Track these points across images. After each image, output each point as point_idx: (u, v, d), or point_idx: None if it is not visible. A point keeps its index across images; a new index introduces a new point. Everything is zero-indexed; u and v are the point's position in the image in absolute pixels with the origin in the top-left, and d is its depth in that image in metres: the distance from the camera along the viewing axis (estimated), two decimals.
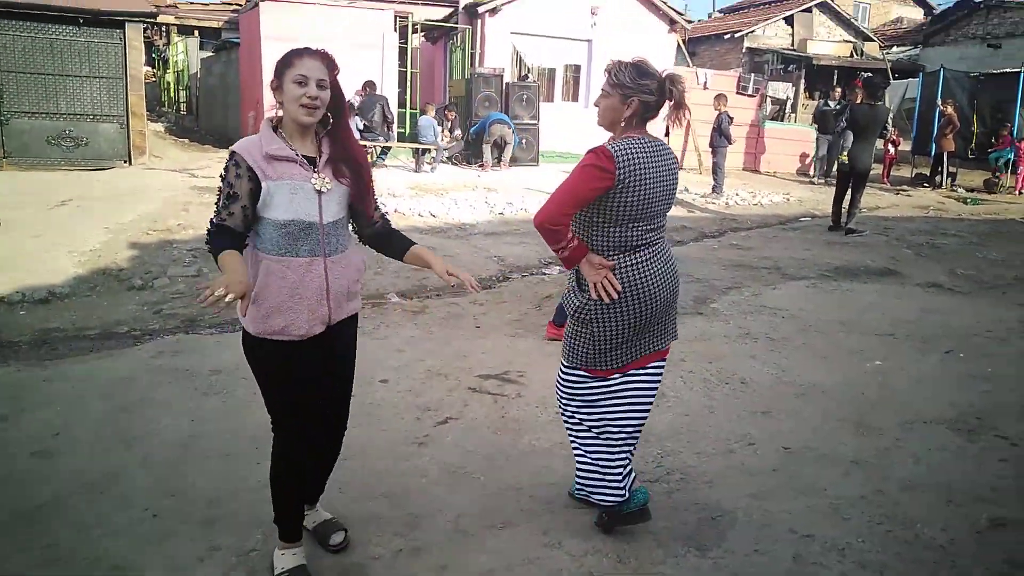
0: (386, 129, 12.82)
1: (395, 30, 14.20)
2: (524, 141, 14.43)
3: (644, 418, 3.05)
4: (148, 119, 13.31)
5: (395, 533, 3.02)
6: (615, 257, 2.82)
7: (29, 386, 4.26)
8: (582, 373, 2.98)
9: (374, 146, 12.69)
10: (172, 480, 3.33)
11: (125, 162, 12.14)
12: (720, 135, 12.68)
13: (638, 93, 2.78)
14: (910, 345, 5.55)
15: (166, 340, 5.15)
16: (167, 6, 22.04)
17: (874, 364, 5.13)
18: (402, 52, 14.76)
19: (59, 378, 4.39)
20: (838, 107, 14.75)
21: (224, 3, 23.35)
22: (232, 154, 2.49)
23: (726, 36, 26.14)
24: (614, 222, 2.78)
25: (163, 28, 23.17)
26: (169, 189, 9.78)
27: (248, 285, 2.27)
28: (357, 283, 2.73)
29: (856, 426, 4.15)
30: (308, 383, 2.65)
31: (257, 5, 13.54)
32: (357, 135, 11.88)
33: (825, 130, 15.13)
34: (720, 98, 13.07)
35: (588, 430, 3.04)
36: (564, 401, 3.09)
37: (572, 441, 3.12)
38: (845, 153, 9.80)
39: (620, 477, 2.98)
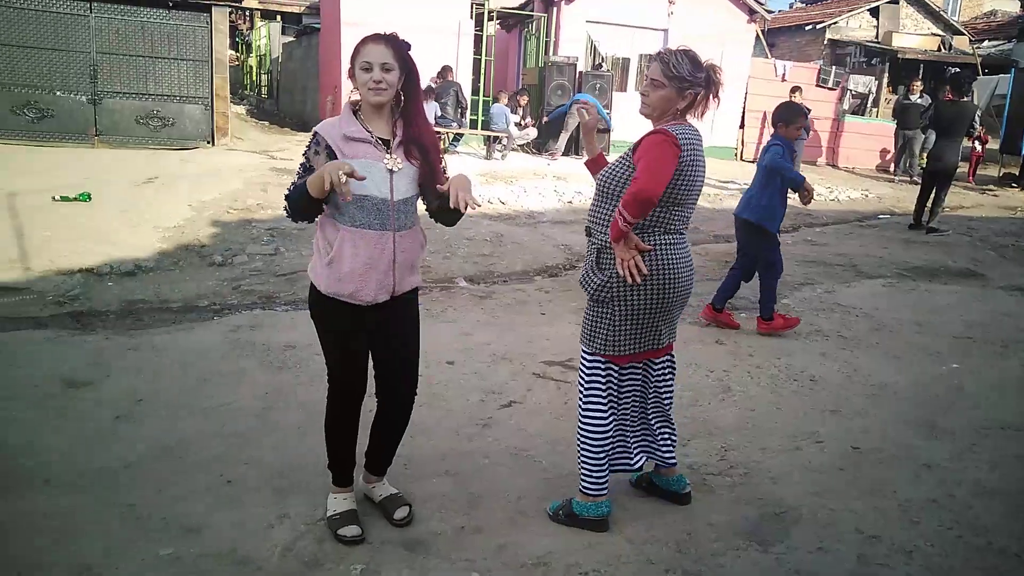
0: (459, 115, 12.92)
1: (471, 17, 14.27)
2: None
3: (649, 409, 3.10)
4: (231, 102, 13.70)
5: (457, 511, 3.09)
6: (653, 237, 2.83)
7: (115, 354, 4.47)
8: (600, 361, 2.96)
9: (447, 132, 12.81)
10: (246, 449, 3.47)
11: (208, 143, 12.52)
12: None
13: (694, 87, 2.79)
14: (988, 349, 5.36)
15: (244, 315, 5.34)
16: None
17: (950, 367, 4.97)
18: (477, 40, 14.83)
19: (143, 347, 4.60)
20: (919, 100, 14.22)
21: None
22: (315, 133, 2.70)
23: (807, 27, 25.42)
24: (665, 201, 2.79)
25: (247, 12, 23.77)
26: (249, 170, 10.08)
27: (350, 169, 2.46)
28: (420, 258, 2.92)
29: (929, 428, 4.04)
30: (365, 345, 2.86)
31: None
32: (433, 120, 12.18)
33: (906, 125, 14.54)
34: (795, 90, 12.71)
35: (605, 417, 2.98)
36: (583, 391, 3.01)
37: (585, 436, 2.99)
38: (925, 155, 9.47)
39: (603, 470, 3.00)
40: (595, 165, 3.14)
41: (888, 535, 3.05)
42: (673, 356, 3.15)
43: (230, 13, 14.09)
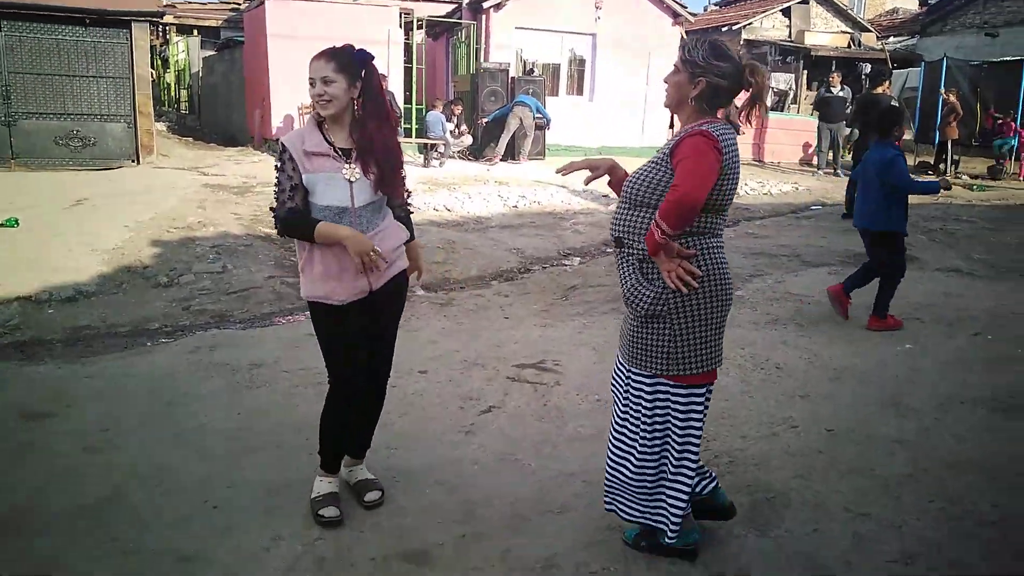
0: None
1: (400, 26, 14.18)
2: (532, 135, 14.43)
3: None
4: None
5: (454, 520, 3.05)
6: (697, 241, 2.60)
7: (72, 383, 4.27)
8: (666, 384, 2.66)
9: None
10: (227, 472, 3.36)
11: (133, 161, 12.11)
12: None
13: (708, 74, 2.56)
14: (936, 328, 5.59)
15: (202, 335, 5.17)
16: (166, 6, 21.97)
17: (904, 347, 5.16)
18: (406, 48, 14.75)
19: (100, 375, 4.41)
20: (840, 93, 14.62)
21: (222, 1, 23.27)
22: (283, 147, 2.85)
23: (724, 29, 26.13)
24: (707, 208, 2.57)
25: (161, 28, 23.09)
26: (182, 187, 9.77)
27: (370, 246, 2.78)
28: (398, 250, 3.01)
29: (894, 407, 4.18)
30: (353, 339, 2.96)
31: (263, 3, 13.52)
32: (442, 132, 12.83)
33: (829, 119, 14.87)
34: None
35: (661, 449, 2.72)
36: (631, 418, 2.75)
37: (643, 467, 2.73)
38: (850, 146, 9.83)
39: (685, 502, 2.72)
40: (619, 184, 2.84)
41: (876, 512, 3.13)
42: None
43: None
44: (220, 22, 21.44)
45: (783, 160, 17.15)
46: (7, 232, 7.21)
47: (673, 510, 2.70)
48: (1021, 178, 15.01)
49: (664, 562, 2.78)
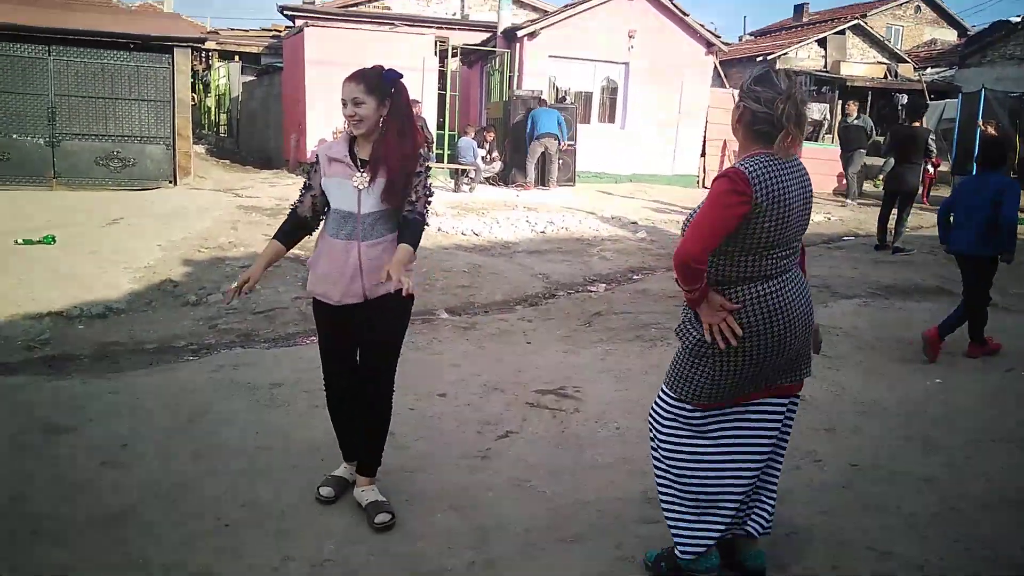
0: (425, 150, 12.93)
1: (435, 54, 14.38)
2: (561, 162, 14.48)
3: (755, 460, 2.69)
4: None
5: (466, 546, 3.01)
6: (744, 289, 2.53)
7: (94, 398, 4.32)
8: (691, 408, 2.68)
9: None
10: (241, 491, 3.36)
11: (170, 182, 12.36)
12: None
13: (746, 99, 2.51)
14: (969, 364, 5.45)
15: (226, 354, 5.22)
16: (208, 32, 22.54)
17: (934, 382, 5.04)
18: (441, 75, 14.94)
19: (123, 390, 4.45)
20: (857, 121, 14.46)
21: (264, 30, 23.82)
22: (316, 154, 3.17)
23: (758, 59, 26.14)
24: (748, 250, 2.49)
25: (203, 53, 23.67)
26: (216, 208, 9.94)
27: (246, 278, 3.09)
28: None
29: (923, 443, 4.07)
30: (341, 340, 3.16)
31: (302, 31, 13.80)
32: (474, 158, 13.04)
33: (849, 147, 14.65)
34: None
35: (686, 465, 2.70)
36: (663, 435, 2.75)
37: (660, 478, 2.79)
38: (882, 177, 9.73)
39: (710, 524, 2.68)
40: None
41: (899, 551, 3.04)
42: (797, 401, 2.80)
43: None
44: (261, 48, 21.96)
45: (816, 190, 16.96)
46: (44, 249, 7.38)
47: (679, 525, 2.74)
48: None
49: None
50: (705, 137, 16.62)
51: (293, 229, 3.19)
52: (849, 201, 14.66)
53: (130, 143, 12.17)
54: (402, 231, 3.04)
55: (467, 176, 13.26)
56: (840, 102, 21.35)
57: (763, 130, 2.50)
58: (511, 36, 15.27)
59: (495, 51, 15.85)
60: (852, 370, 5.20)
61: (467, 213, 10.57)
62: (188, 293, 6.45)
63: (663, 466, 2.76)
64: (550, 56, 15.32)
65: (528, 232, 9.80)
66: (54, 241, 7.57)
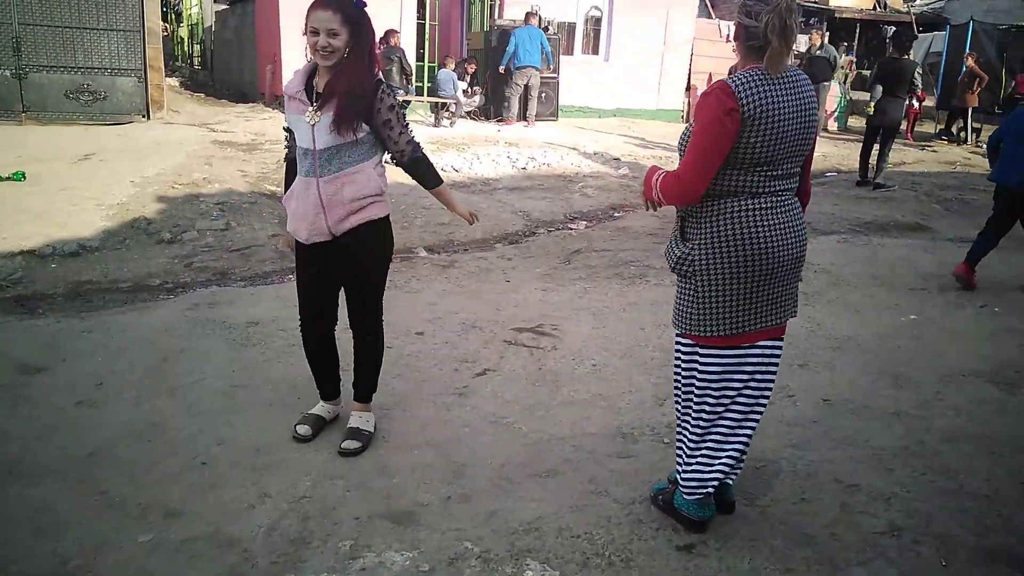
0: (404, 82, 12.65)
1: None
2: (544, 95, 14.24)
3: (751, 407, 2.66)
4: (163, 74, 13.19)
5: (442, 481, 3.05)
6: (729, 202, 2.48)
7: (69, 337, 4.29)
8: (688, 342, 2.69)
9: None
10: (218, 428, 3.37)
11: (143, 116, 12.04)
12: None
13: (739, 14, 2.46)
14: (943, 299, 5.51)
15: (201, 292, 5.17)
16: None
17: (908, 318, 5.09)
18: (420, 4, 14.52)
19: (98, 329, 4.42)
20: (820, 53, 14.15)
21: None
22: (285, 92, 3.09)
23: None
24: (735, 164, 2.43)
25: None
26: (190, 143, 9.73)
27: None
28: (366, 198, 3.03)
29: (894, 379, 4.13)
30: (312, 277, 3.17)
31: None
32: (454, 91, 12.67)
33: (815, 78, 14.17)
34: None
35: (695, 407, 2.69)
36: (675, 375, 2.79)
37: (679, 424, 2.80)
38: (872, 105, 9.63)
39: (703, 467, 2.68)
40: None
41: (866, 483, 3.11)
42: (781, 342, 2.71)
43: None
44: None
45: None
46: (14, 186, 7.22)
47: (679, 461, 2.77)
48: None
49: (649, 527, 2.77)
50: (691, 70, 16.36)
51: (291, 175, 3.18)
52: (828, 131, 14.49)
53: (100, 75, 11.80)
54: (416, 177, 3.18)
55: (447, 110, 13.02)
56: (828, 34, 21.03)
57: (755, 45, 2.43)
58: None
59: None
60: (827, 306, 5.24)
61: (447, 148, 10.42)
62: (162, 231, 6.35)
63: (679, 408, 2.78)
64: None
65: (509, 168, 9.69)
66: (24, 178, 7.40)
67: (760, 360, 2.64)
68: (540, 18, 13.47)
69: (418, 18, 14.40)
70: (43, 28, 11.35)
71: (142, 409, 3.51)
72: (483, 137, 11.69)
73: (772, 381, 2.69)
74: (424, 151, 3.18)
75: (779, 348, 2.69)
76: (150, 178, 7.68)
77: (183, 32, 23.45)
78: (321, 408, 3.41)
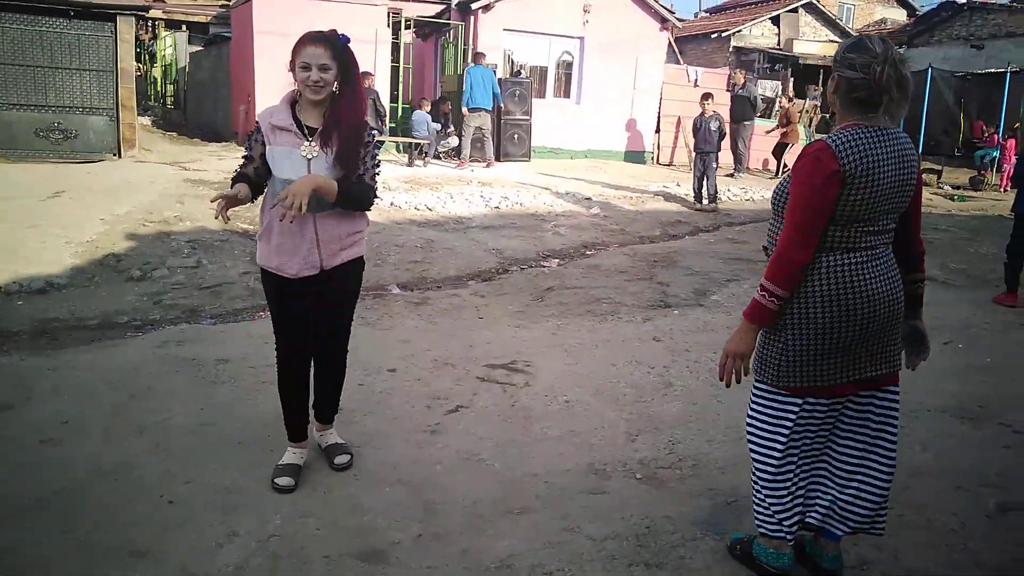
0: (378, 123, 12.76)
1: (388, 26, 14.16)
2: (516, 136, 14.43)
3: (846, 460, 2.62)
4: (136, 113, 13.18)
5: (414, 519, 3.02)
6: (822, 258, 2.43)
7: (35, 375, 4.22)
8: (769, 390, 2.60)
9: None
10: (186, 467, 3.32)
11: (114, 155, 12.01)
12: (719, 137, 11.13)
13: (840, 68, 2.40)
14: None
15: (170, 330, 5.12)
16: (154, 0, 21.85)
17: None
18: (394, 48, 14.73)
19: (64, 367, 4.35)
20: (742, 92, 14.39)
21: None
22: (256, 121, 3.05)
23: (713, 35, 26.26)
24: (832, 220, 2.39)
25: (149, 22, 22.95)
26: (162, 181, 9.70)
27: (228, 196, 2.89)
28: (356, 235, 3.12)
29: None
30: (298, 312, 3.12)
31: (250, 0, 13.46)
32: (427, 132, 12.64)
33: (735, 118, 14.06)
34: (707, 97, 11.71)
35: (772, 459, 2.62)
36: (749, 422, 2.71)
37: (755, 471, 2.70)
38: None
39: (783, 511, 2.60)
40: None
41: None
42: (894, 393, 2.63)
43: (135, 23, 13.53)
44: (209, 18, 21.33)
45: (771, 166, 17.21)
46: None
47: (756, 510, 2.69)
48: (1002, 189, 15.14)
49: (621, 563, 2.77)
50: (660, 114, 16.69)
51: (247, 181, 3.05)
52: (739, 175, 14.63)
53: (72, 114, 11.78)
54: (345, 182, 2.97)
55: (421, 150, 13.13)
56: (792, 80, 21.63)
57: (860, 97, 2.38)
58: (466, 9, 15.09)
59: (449, 24, 15.67)
60: None
61: (420, 188, 10.48)
62: (132, 268, 6.30)
63: (753, 454, 2.70)
64: (505, 30, 15.19)
65: (482, 207, 9.77)
66: None
67: (851, 412, 2.59)
68: (483, 55, 13.62)
69: (392, 61, 14.59)
70: (14, 67, 11.33)
71: (109, 448, 3.45)
72: (457, 177, 11.79)
73: (876, 434, 2.61)
74: (373, 188, 3.11)
75: (887, 400, 2.61)
76: (120, 216, 7.63)
77: (156, 72, 23.44)
78: (293, 455, 3.30)
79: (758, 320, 2.50)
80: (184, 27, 21.84)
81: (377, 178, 3.15)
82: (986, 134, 16.15)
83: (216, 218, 2.91)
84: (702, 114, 11.20)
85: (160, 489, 3.14)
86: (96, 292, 5.86)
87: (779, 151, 15.52)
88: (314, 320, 3.17)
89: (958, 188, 14.94)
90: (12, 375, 4.21)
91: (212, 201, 2.94)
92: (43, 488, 3.10)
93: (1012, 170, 8.92)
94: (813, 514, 2.68)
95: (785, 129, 15.25)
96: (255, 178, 3.05)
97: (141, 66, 24.14)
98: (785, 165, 15.26)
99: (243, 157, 3.08)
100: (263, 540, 2.83)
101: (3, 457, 3.33)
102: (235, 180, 3.04)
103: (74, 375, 4.24)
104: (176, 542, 2.80)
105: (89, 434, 3.57)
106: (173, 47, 21.60)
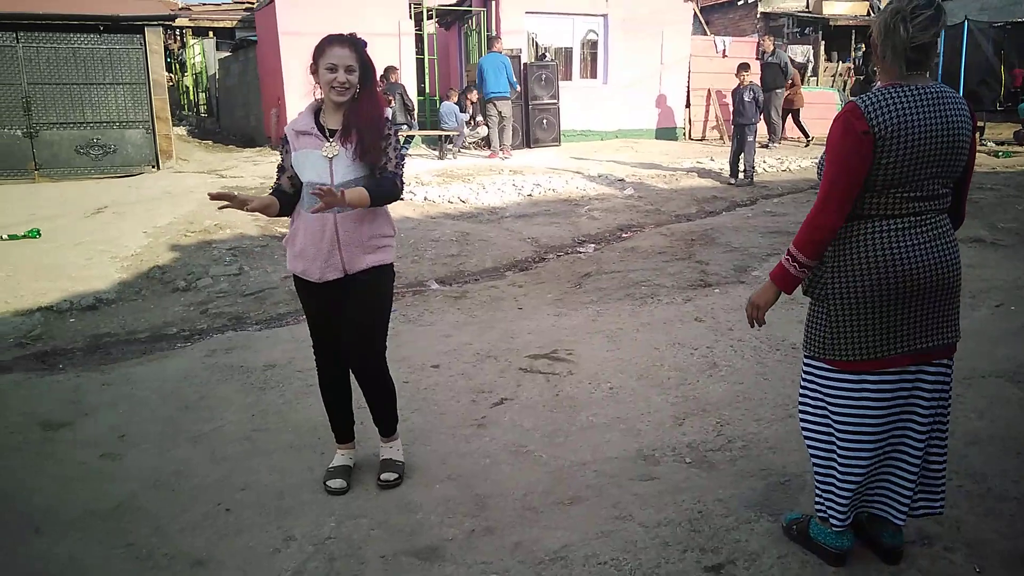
0: (408, 118, 12.79)
1: (410, 17, 14.15)
2: (545, 121, 14.35)
3: (903, 437, 2.52)
4: (171, 123, 13.41)
5: (465, 514, 3.05)
6: (859, 225, 2.37)
7: (89, 391, 4.33)
8: (822, 366, 2.53)
9: (402, 135, 12.63)
10: (241, 474, 3.38)
11: (153, 167, 12.24)
12: (756, 109, 10.80)
13: (877, 26, 2.33)
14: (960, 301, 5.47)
15: (217, 338, 5.22)
16: (180, 9, 22.15)
17: None
18: (418, 39, 14.72)
19: (118, 381, 4.46)
20: (772, 59, 14.05)
21: (236, 2, 23.40)
22: (284, 132, 3.10)
23: (739, 2, 25.75)
24: (868, 187, 2.31)
25: (177, 31, 23.29)
26: (201, 190, 9.83)
27: (248, 201, 2.92)
28: (381, 238, 3.09)
29: None
30: (327, 318, 3.14)
31: (272, 1, 13.56)
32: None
33: (767, 86, 13.66)
34: (744, 68, 11.37)
35: (830, 438, 2.58)
36: (801, 400, 2.66)
37: (811, 452, 2.68)
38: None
39: (844, 498, 2.54)
40: None
41: None
42: (945, 366, 2.52)
43: (162, 33, 13.76)
44: (235, 23, 21.56)
45: (818, 133, 16.86)
46: (30, 243, 7.34)
47: (817, 494, 2.65)
48: None
49: (675, 549, 2.76)
50: (689, 88, 16.45)
51: (279, 195, 3.10)
52: (774, 144, 14.30)
53: (109, 129, 12.02)
54: (370, 181, 2.98)
55: (451, 142, 13.14)
56: (823, 43, 21.14)
57: (908, 55, 2.29)
58: None
59: (471, 11, 15.60)
60: None
61: (453, 180, 10.50)
62: (177, 279, 6.43)
63: (805, 433, 2.67)
64: (527, 12, 15.07)
65: (515, 196, 9.75)
66: (39, 235, 7.53)
67: (907, 385, 2.48)
68: (496, 40, 13.39)
69: (416, 53, 14.58)
70: (51, 87, 11.60)
71: (165, 458, 3.54)
72: (488, 167, 11.78)
73: (935, 409, 2.51)
74: (400, 178, 3.07)
75: (940, 374, 2.50)
76: (162, 227, 7.78)
77: (188, 81, 23.80)
78: (342, 457, 3.35)
79: (780, 284, 2.50)
80: (211, 34, 22.13)
81: (403, 169, 3.11)
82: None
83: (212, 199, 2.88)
84: (739, 85, 10.96)
85: (216, 497, 3.20)
86: (144, 305, 6.00)
87: (795, 118, 15.10)
88: (345, 331, 3.13)
89: (1002, 144, 14.49)
90: (69, 391, 4.33)
91: (212, 198, 2.88)
92: (104, 500, 3.19)
93: None
94: (875, 504, 2.62)
95: (789, 92, 14.77)
96: (290, 189, 3.09)
97: (172, 76, 24.54)
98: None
99: (277, 168, 3.13)
100: (319, 543, 2.88)
101: (64, 472, 3.43)
102: (272, 193, 3.10)
103: (128, 388, 4.34)
104: (234, 549, 2.86)
105: (146, 446, 3.66)
106: (202, 54, 21.92)
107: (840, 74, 19.02)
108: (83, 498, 3.22)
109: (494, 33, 14.72)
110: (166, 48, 23.60)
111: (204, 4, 24.64)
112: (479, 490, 3.22)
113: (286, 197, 3.09)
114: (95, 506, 3.15)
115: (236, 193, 2.93)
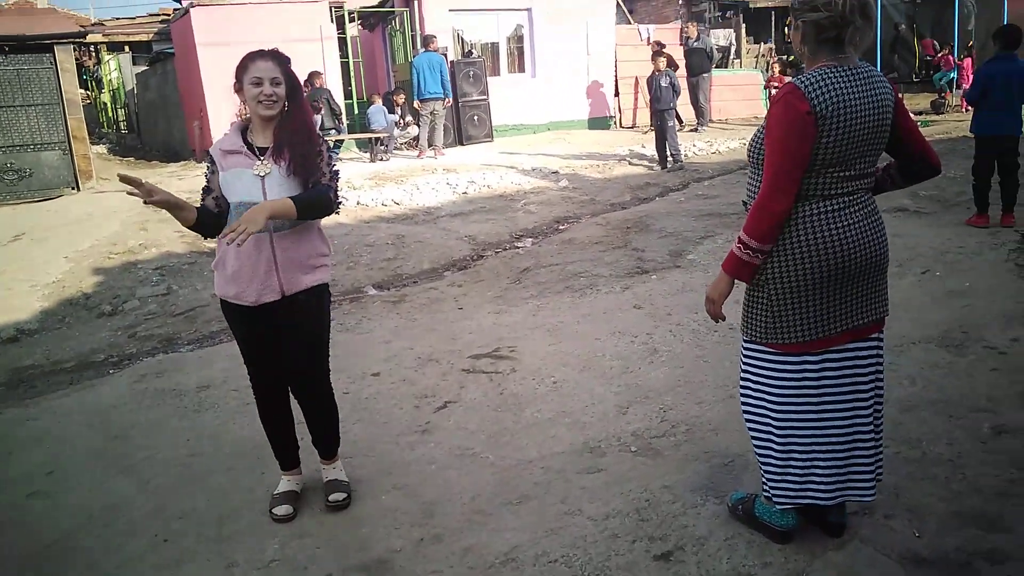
0: (336, 122, 12.59)
1: (332, 21, 13.93)
2: (476, 117, 14.30)
3: (852, 414, 2.52)
4: (90, 142, 12.94)
5: (413, 523, 3.00)
6: (798, 207, 2.37)
7: (15, 427, 4.15)
8: (762, 349, 2.54)
9: (331, 140, 12.43)
10: (177, 502, 3.27)
11: (73, 188, 11.79)
12: (673, 94, 11.04)
13: (802, 14, 2.33)
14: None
15: (147, 362, 5.05)
16: (93, 24, 21.43)
17: None
18: (341, 43, 14.51)
19: (44, 415, 4.28)
20: (697, 44, 14.39)
21: (151, 15, 22.74)
22: (208, 153, 2.98)
23: None
24: (808, 170, 2.32)
25: (91, 47, 22.53)
26: (124, 210, 9.52)
27: (154, 191, 2.72)
28: (319, 257, 3.00)
29: None
30: (264, 343, 3.01)
31: (188, 12, 13.20)
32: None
33: (693, 71, 14.11)
34: (659, 50, 11.64)
35: (769, 422, 2.58)
36: (743, 384, 2.67)
37: (752, 435, 2.69)
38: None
39: (795, 479, 2.56)
40: None
41: None
42: (877, 340, 2.56)
43: (74, 50, 13.25)
44: (151, 36, 20.94)
45: (731, 116, 17.16)
46: None
47: (763, 473, 2.65)
48: (963, 109, 15.18)
49: (624, 541, 2.75)
50: (617, 76, 16.58)
51: (204, 219, 2.91)
52: (703, 128, 14.48)
53: (23, 153, 11.54)
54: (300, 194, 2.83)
55: (381, 144, 12.98)
56: (744, 26, 21.54)
57: (830, 36, 2.32)
58: None
59: (394, 11, 15.44)
60: None
61: (385, 182, 10.38)
62: (102, 303, 6.20)
63: (751, 419, 2.67)
64: (451, 10, 14.97)
65: (450, 195, 9.68)
66: None
67: (846, 364, 2.50)
68: (431, 39, 13.16)
69: (341, 56, 14.37)
70: None
71: (97, 493, 3.40)
72: (420, 167, 11.68)
73: (871, 385, 2.55)
74: (335, 191, 2.95)
75: (872, 349, 2.54)
76: (84, 251, 7.51)
77: (105, 98, 23.02)
78: (288, 483, 3.21)
79: (734, 272, 2.48)
80: (127, 48, 21.46)
81: (337, 182, 3.01)
82: (939, 53, 16.18)
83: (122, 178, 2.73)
84: (654, 72, 11.11)
85: (153, 528, 3.09)
86: (69, 333, 5.77)
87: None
88: (284, 354, 3.03)
89: (920, 114, 14.96)
90: None
91: (120, 180, 2.74)
92: (34, 543, 3.05)
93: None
94: (833, 495, 2.58)
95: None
96: (215, 210, 2.93)
97: (88, 93, 23.73)
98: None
99: (202, 189, 2.98)
100: (263, 567, 2.80)
101: None
102: (199, 211, 2.92)
103: (55, 422, 4.17)
104: None
105: (75, 481, 3.51)
106: (118, 69, 21.23)
107: (762, 55, 19.39)
108: (13, 541, 3.07)
109: (419, 32, 14.58)
110: (80, 65, 22.79)
111: (118, 19, 23.90)
112: (426, 497, 3.17)
113: (212, 218, 2.92)
114: (24, 549, 3.01)
115: (144, 181, 2.73)
